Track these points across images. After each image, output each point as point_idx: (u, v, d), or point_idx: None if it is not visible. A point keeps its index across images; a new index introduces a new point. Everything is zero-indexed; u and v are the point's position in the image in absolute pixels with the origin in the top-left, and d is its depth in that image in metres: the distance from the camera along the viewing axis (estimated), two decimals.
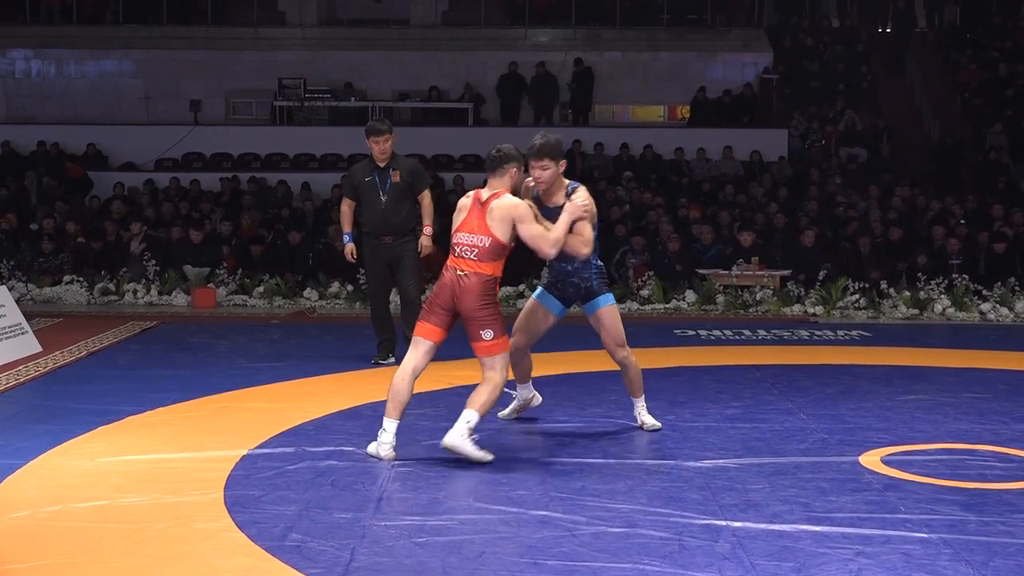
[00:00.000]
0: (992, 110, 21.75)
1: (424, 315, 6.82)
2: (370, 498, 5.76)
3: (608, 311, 7.17)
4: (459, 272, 6.67)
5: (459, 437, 6.43)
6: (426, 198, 9.81)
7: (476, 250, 6.66)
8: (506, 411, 7.67)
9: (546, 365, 9.69)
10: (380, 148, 9.58)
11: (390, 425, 6.61)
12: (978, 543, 5.09)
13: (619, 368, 7.37)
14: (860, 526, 5.32)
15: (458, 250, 6.73)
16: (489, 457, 6.45)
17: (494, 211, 6.69)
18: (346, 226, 9.95)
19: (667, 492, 5.89)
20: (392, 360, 9.70)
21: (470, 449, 6.44)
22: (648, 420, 7.35)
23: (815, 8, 26.27)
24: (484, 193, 6.82)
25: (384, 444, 6.57)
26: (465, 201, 6.88)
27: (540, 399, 7.78)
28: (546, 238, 6.71)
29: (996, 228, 16.10)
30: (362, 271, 14.21)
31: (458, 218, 6.85)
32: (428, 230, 9.83)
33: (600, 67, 23.10)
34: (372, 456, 6.56)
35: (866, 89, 23.37)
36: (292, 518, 5.44)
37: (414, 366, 6.72)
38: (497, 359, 6.67)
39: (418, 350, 6.77)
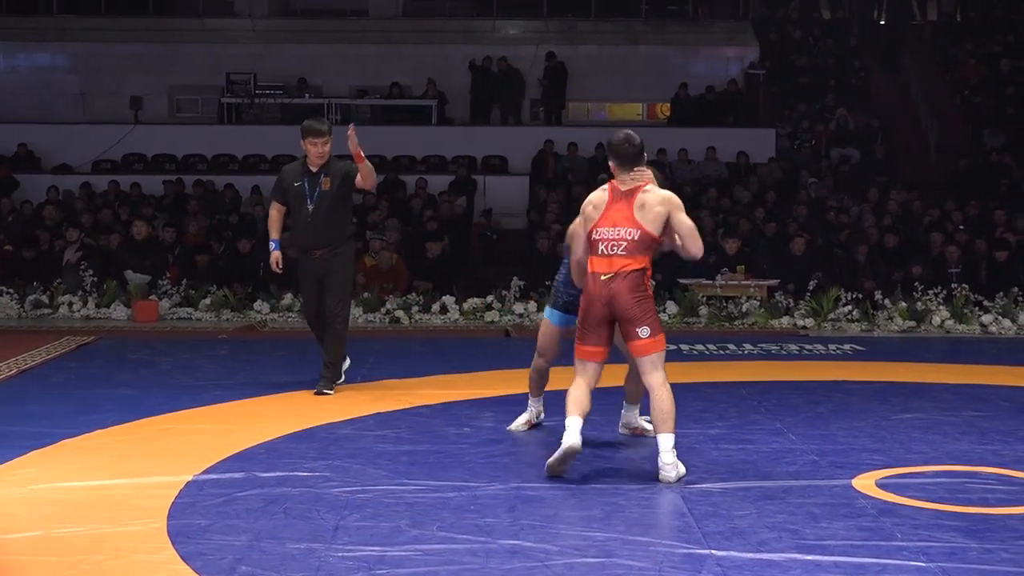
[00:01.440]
0: (993, 109, 21.92)
1: (581, 336, 6.82)
2: (326, 527, 5.74)
3: None
4: (603, 277, 6.67)
5: (674, 470, 6.57)
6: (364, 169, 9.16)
7: (624, 243, 6.68)
8: (516, 424, 8.00)
9: (515, 383, 9.69)
10: (318, 151, 9.16)
11: (574, 422, 6.70)
12: (979, 572, 5.12)
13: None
14: (853, 554, 5.34)
15: (601, 247, 6.71)
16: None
17: (646, 203, 6.71)
18: (274, 232, 9.48)
19: (646, 519, 5.90)
20: (343, 380, 9.47)
21: (681, 470, 6.61)
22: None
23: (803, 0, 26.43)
24: (623, 185, 6.78)
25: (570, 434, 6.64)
26: (600, 195, 6.83)
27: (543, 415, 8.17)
28: (697, 236, 6.79)
29: (998, 235, 16.21)
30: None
31: (593, 214, 6.78)
32: (275, 243, 9.45)
33: (574, 62, 23.16)
34: (564, 455, 6.62)
35: (859, 86, 23.52)
36: (241, 549, 5.42)
37: (588, 383, 6.80)
38: (656, 358, 6.75)
39: (588, 373, 6.82)
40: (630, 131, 6.94)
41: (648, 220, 6.69)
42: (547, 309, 7.90)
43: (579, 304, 6.99)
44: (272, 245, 9.50)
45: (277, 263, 9.45)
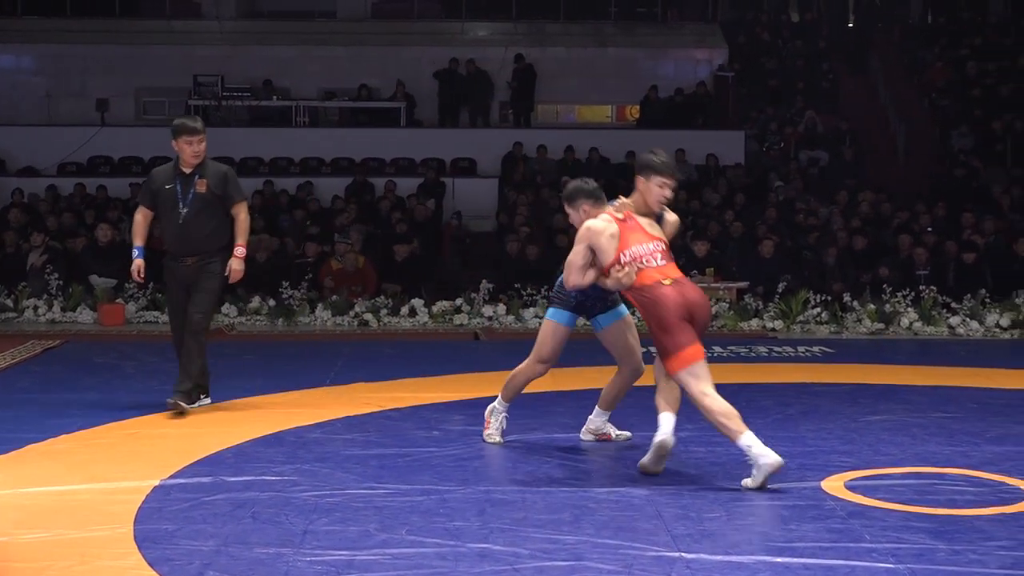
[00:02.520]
0: (960, 111, 22.07)
1: (689, 341, 6.75)
2: (294, 531, 5.73)
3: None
4: (668, 281, 6.82)
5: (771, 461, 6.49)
6: (241, 213, 8.75)
7: (661, 249, 6.92)
8: (495, 435, 7.78)
9: (484, 386, 9.69)
10: (194, 151, 8.60)
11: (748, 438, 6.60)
12: (948, 573, 5.14)
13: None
14: (823, 556, 5.36)
15: (648, 261, 6.86)
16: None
17: (653, 222, 7.06)
18: (137, 239, 8.88)
19: (616, 522, 5.90)
20: (208, 401, 8.91)
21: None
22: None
23: (773, 2, 26.53)
24: (618, 212, 7.05)
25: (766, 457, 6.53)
26: (610, 227, 6.94)
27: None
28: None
29: (966, 237, 16.31)
30: (285, 284, 14.21)
31: (611, 245, 6.89)
32: (241, 250, 8.75)
33: (543, 64, 23.19)
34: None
35: (827, 88, 23.63)
36: (209, 554, 5.39)
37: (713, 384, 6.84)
38: None
39: (706, 371, 6.83)
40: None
41: (663, 232, 7.10)
42: (554, 311, 7.55)
43: (587, 306, 7.37)
44: (135, 252, 8.91)
45: (139, 272, 8.92)
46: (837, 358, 11.74)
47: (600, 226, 6.97)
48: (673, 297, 6.74)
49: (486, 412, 7.81)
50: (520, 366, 7.66)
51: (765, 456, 6.46)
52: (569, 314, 7.48)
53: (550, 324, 7.54)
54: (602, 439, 7.76)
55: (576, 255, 7.00)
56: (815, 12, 26.19)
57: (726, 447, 7.56)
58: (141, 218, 8.94)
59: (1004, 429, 8.13)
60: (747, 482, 6.53)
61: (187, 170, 8.68)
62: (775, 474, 6.48)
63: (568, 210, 7.34)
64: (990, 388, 9.87)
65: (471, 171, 21.27)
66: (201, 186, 8.66)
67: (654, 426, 7.88)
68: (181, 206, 8.66)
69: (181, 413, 8.52)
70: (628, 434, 7.83)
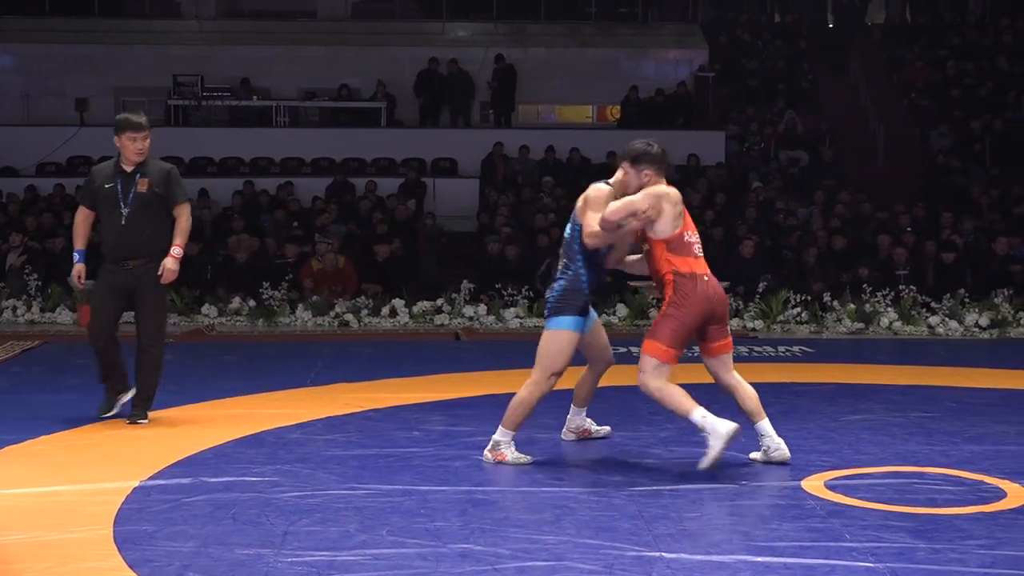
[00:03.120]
0: (939, 111, 22.15)
1: (710, 337, 6.94)
2: (275, 532, 5.72)
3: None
4: (706, 277, 6.89)
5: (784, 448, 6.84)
6: (184, 214, 8.30)
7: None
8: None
9: (465, 386, 9.70)
10: (137, 148, 8.14)
11: (700, 411, 6.75)
12: (927, 572, 5.17)
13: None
14: (803, 555, 5.38)
15: (696, 248, 6.94)
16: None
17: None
18: (78, 242, 8.41)
19: (596, 522, 5.91)
20: (114, 413, 8.46)
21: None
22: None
23: (753, 2, 26.58)
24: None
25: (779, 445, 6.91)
26: (680, 203, 6.94)
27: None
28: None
29: (945, 237, 16.38)
30: (266, 284, 14.18)
31: (675, 220, 6.91)
32: (177, 250, 8.24)
33: (523, 64, 23.18)
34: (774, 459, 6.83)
35: (807, 89, 23.68)
36: (189, 555, 5.38)
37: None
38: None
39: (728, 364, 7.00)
40: (644, 143, 7.08)
41: None
42: (567, 319, 7.05)
43: (585, 306, 7.12)
44: (76, 256, 8.43)
45: (80, 277, 8.44)
46: (817, 358, 11.77)
47: (677, 195, 6.91)
48: (707, 295, 6.86)
49: (488, 451, 7.15)
50: (527, 389, 7.10)
51: (715, 426, 6.72)
52: (580, 319, 7.07)
53: (562, 333, 7.04)
54: (584, 436, 7.76)
55: (637, 203, 6.81)
56: (795, 13, 26.23)
57: (706, 447, 7.58)
58: (82, 219, 8.45)
59: (983, 428, 8.17)
60: (703, 464, 6.73)
61: (128, 168, 8.21)
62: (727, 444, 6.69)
63: (628, 169, 6.96)
64: (969, 387, 9.90)
65: (452, 171, 21.26)
66: (143, 185, 8.17)
67: (635, 424, 7.90)
68: (122, 206, 8.18)
69: (137, 423, 8.28)
70: (607, 429, 7.86)
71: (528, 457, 7.08)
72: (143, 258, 8.22)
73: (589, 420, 7.81)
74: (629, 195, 6.94)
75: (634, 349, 11.97)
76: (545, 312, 7.24)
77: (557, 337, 7.05)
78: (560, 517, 5.99)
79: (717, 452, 6.67)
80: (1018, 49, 23.88)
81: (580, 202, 7.08)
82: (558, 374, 7.10)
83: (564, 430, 7.80)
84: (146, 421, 8.29)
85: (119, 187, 8.20)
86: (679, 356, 6.93)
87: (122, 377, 8.51)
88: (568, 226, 7.20)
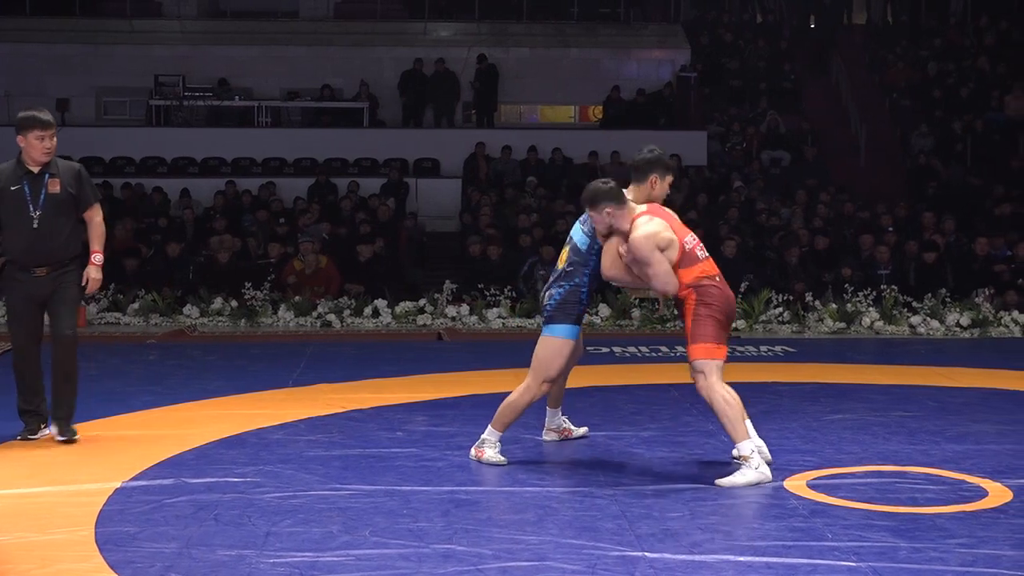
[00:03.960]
0: (920, 111, 22.23)
1: (721, 339, 6.82)
2: (257, 533, 5.71)
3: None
4: (719, 277, 6.89)
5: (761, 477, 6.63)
6: (96, 216, 7.84)
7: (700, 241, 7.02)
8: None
9: (448, 387, 9.70)
10: (45, 147, 7.57)
11: (751, 444, 6.70)
12: (909, 571, 5.18)
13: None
14: (785, 555, 5.39)
15: (700, 252, 6.93)
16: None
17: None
18: None
19: (579, 522, 5.92)
20: (45, 432, 7.79)
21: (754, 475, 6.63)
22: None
23: (735, 3, 26.64)
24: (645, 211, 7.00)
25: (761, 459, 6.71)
26: (661, 224, 6.87)
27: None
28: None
29: (926, 237, 16.43)
30: (248, 285, 14.16)
31: (673, 241, 6.85)
32: (99, 257, 7.82)
33: (506, 64, 23.20)
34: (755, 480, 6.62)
35: (789, 89, 23.74)
36: (171, 557, 5.37)
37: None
38: None
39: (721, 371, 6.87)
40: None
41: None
42: (562, 327, 7.07)
43: (582, 315, 7.14)
44: None
45: None
46: (799, 357, 11.79)
47: (654, 227, 6.81)
48: (727, 296, 6.89)
49: (474, 448, 7.22)
50: (519, 392, 7.13)
51: (760, 467, 6.63)
52: (576, 327, 7.10)
53: (558, 341, 7.06)
54: (564, 435, 7.75)
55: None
56: (776, 13, 26.30)
57: (689, 447, 7.61)
58: None
59: (964, 427, 8.20)
60: (724, 481, 6.59)
61: (35, 169, 7.64)
62: (756, 486, 6.56)
63: (591, 213, 6.94)
64: (951, 387, 9.93)
65: (434, 172, 21.26)
66: (54, 186, 7.64)
67: (617, 424, 7.90)
68: (32, 209, 7.60)
69: (71, 440, 7.66)
70: (585, 429, 7.85)
71: (503, 459, 7.09)
72: (54, 265, 7.67)
73: (565, 419, 7.80)
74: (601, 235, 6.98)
75: (616, 349, 12.03)
76: (543, 316, 7.21)
77: (552, 344, 7.08)
78: (543, 517, 5.99)
79: (740, 482, 6.57)
80: (999, 50, 23.99)
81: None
82: (551, 381, 7.13)
83: (544, 430, 7.80)
84: (78, 438, 7.68)
85: (27, 189, 7.62)
86: (725, 351, 6.85)
87: (41, 403, 7.85)
88: (580, 233, 7.10)
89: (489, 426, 7.19)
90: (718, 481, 6.60)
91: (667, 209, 7.05)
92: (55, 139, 7.69)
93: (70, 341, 7.78)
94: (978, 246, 15.90)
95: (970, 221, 17.68)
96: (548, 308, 7.12)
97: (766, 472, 6.64)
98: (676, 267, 6.82)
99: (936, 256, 15.59)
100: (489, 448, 7.13)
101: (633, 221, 6.85)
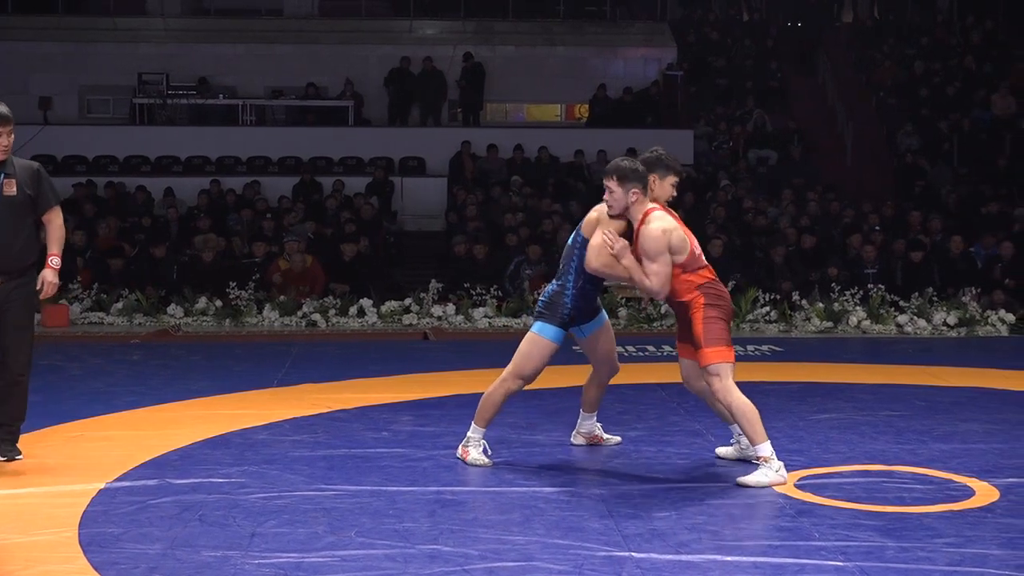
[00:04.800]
0: (907, 110, 22.28)
1: (730, 341, 6.83)
2: (242, 534, 5.70)
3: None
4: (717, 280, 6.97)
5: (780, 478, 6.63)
6: (56, 219, 7.20)
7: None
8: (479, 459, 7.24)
9: (433, 387, 9.70)
10: (1, 144, 7.06)
11: (769, 445, 6.70)
12: (897, 570, 5.19)
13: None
14: (772, 555, 5.40)
15: (702, 257, 6.99)
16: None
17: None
18: None
19: (566, 522, 5.92)
20: (20, 456, 7.18)
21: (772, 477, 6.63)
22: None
23: (721, 1, 26.67)
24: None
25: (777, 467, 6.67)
26: (675, 224, 6.87)
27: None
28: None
29: (913, 236, 16.47)
30: (233, 284, 14.14)
31: (684, 243, 6.86)
32: (56, 260, 7.13)
33: (492, 62, 23.20)
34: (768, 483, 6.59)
35: (776, 87, 23.78)
36: (155, 558, 5.36)
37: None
38: None
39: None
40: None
41: None
42: (543, 326, 7.03)
43: (577, 319, 7.10)
44: None
45: None
46: (786, 357, 11.81)
47: (670, 224, 6.79)
48: (728, 296, 6.98)
49: (460, 449, 7.18)
50: (494, 385, 7.11)
51: (780, 469, 6.64)
52: (559, 330, 7.02)
53: (538, 339, 7.03)
54: (593, 442, 7.62)
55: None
56: (763, 12, 26.34)
57: (676, 447, 7.61)
58: None
59: (951, 427, 8.22)
60: (746, 479, 6.62)
61: None
62: (771, 487, 6.57)
63: (612, 187, 6.80)
64: (938, 386, 9.96)
65: (420, 170, 21.24)
66: (10, 187, 7.06)
67: (604, 424, 7.90)
68: None
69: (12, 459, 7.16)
70: (618, 439, 7.67)
71: (487, 460, 7.04)
72: (10, 273, 7.03)
73: (599, 425, 7.64)
74: (611, 213, 6.88)
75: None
76: (535, 312, 7.21)
77: (532, 341, 7.06)
78: (529, 517, 5.99)
79: (763, 482, 6.58)
80: (985, 48, 24.06)
81: (594, 213, 6.96)
82: (524, 379, 7.07)
83: (575, 433, 7.67)
84: (21, 456, 7.17)
85: None
86: (733, 352, 6.87)
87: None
88: (572, 235, 7.12)
89: (472, 423, 7.16)
90: (739, 480, 6.61)
91: (671, 211, 7.02)
92: (12, 136, 7.15)
93: (23, 368, 7.15)
94: (953, 245, 15.94)
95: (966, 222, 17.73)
96: (539, 304, 7.16)
97: (784, 474, 6.64)
98: (683, 270, 6.80)
99: (922, 255, 15.63)
100: (473, 448, 7.11)
101: (647, 214, 6.81)
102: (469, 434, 7.16)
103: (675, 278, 6.82)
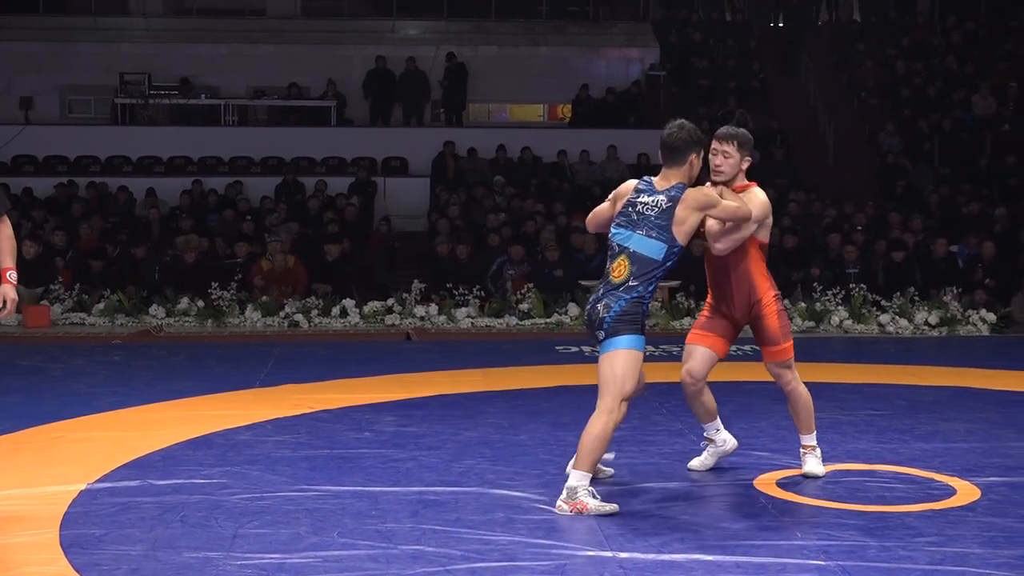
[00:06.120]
0: (889, 110, 22.34)
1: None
2: (224, 535, 5.68)
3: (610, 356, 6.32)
4: None
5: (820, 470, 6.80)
6: (6, 228, 6.53)
7: None
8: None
9: (416, 387, 9.69)
10: None
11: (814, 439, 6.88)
12: (878, 570, 5.20)
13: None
14: (755, 554, 5.40)
15: None
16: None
17: None
18: None
19: (549, 522, 5.91)
20: None
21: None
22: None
23: (704, 2, 26.72)
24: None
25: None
26: None
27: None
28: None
29: (894, 236, 16.52)
30: (215, 285, 14.10)
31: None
32: (12, 274, 6.45)
33: (474, 63, 23.20)
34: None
35: (758, 88, 23.82)
36: (137, 559, 5.34)
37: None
38: None
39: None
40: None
41: None
42: (625, 338, 6.22)
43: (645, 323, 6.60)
44: None
45: None
46: None
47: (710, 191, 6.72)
48: None
49: (563, 502, 6.09)
50: (600, 422, 6.19)
51: (818, 463, 6.80)
52: (642, 337, 6.30)
53: (630, 354, 6.23)
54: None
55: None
56: (745, 13, 26.39)
57: (659, 446, 7.62)
58: None
59: (932, 426, 8.25)
60: (810, 470, 6.79)
61: None
62: (810, 478, 6.73)
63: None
64: (919, 385, 9.99)
65: (402, 170, 21.23)
66: None
67: (584, 423, 7.89)
68: None
69: None
70: (611, 472, 6.93)
71: (614, 506, 6.07)
72: None
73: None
74: (719, 179, 6.94)
75: (586, 348, 12.03)
76: (602, 331, 6.25)
77: (624, 358, 6.22)
78: (512, 518, 5.98)
79: (817, 471, 6.76)
80: (966, 49, 24.14)
81: (686, 212, 6.45)
82: (629, 398, 6.32)
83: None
84: None
85: None
86: None
87: None
88: (648, 241, 6.36)
89: (573, 470, 6.16)
90: (806, 471, 6.79)
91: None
92: None
93: None
94: (937, 247, 15.99)
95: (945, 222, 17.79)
96: (607, 321, 6.22)
97: (820, 468, 6.85)
98: (760, 251, 6.90)
99: (904, 255, 15.68)
100: (586, 496, 6.07)
101: (748, 186, 7.10)
102: (572, 483, 6.11)
103: (754, 256, 6.84)
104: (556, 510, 6.07)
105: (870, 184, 20.89)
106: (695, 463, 7.07)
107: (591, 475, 6.15)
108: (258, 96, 22.86)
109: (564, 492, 6.11)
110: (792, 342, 6.86)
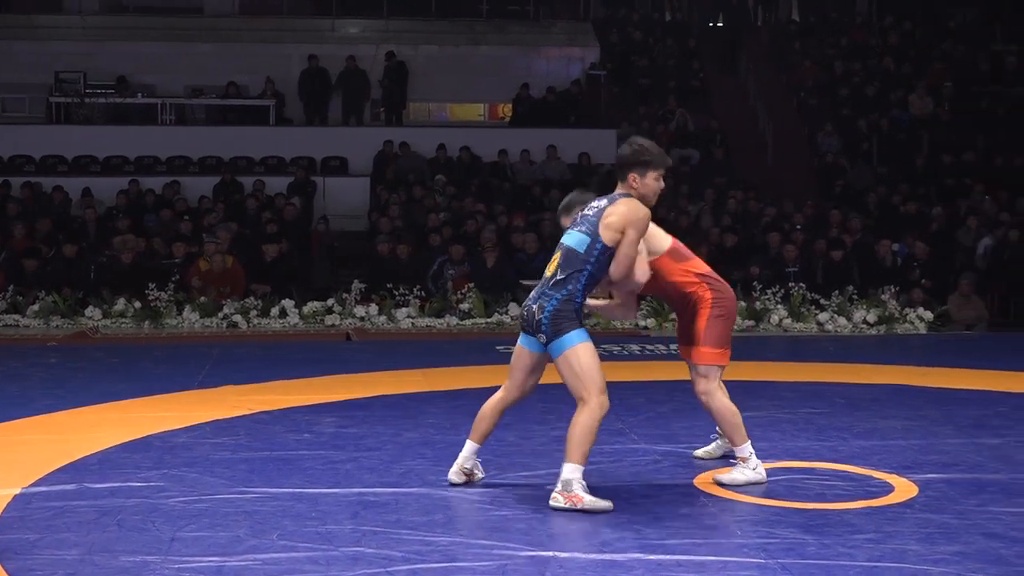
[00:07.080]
0: (827, 110, 22.54)
1: (729, 342, 6.88)
2: (161, 539, 5.64)
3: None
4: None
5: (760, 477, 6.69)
6: None
7: None
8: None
9: (356, 387, 9.67)
10: None
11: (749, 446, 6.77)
12: (817, 567, 5.24)
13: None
14: (695, 553, 5.43)
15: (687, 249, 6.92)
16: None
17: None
18: None
19: (489, 522, 5.92)
20: None
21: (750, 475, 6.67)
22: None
23: (644, 1, 26.84)
24: None
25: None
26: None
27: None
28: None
29: (833, 235, 16.66)
30: (152, 285, 13.99)
31: (657, 230, 6.78)
32: None
33: (414, 62, 23.18)
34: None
35: (698, 87, 23.95)
36: (73, 564, 5.29)
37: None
38: None
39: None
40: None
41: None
42: (569, 336, 6.21)
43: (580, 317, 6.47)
44: None
45: None
46: None
47: (646, 211, 6.35)
48: (733, 296, 6.99)
49: (559, 493, 6.13)
50: (584, 413, 6.21)
51: (758, 468, 6.70)
52: (585, 329, 6.32)
53: (585, 346, 6.23)
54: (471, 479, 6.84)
55: (634, 247, 6.31)
56: (684, 12, 26.53)
57: (599, 444, 7.61)
58: None
59: (871, 424, 8.32)
60: (723, 477, 6.67)
61: None
62: (754, 486, 6.61)
63: (639, 175, 6.40)
64: (858, 383, 10.08)
65: (342, 170, 21.16)
66: None
67: (527, 424, 7.89)
68: None
69: None
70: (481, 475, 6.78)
71: (608, 503, 6.10)
72: None
73: (477, 461, 6.74)
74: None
75: None
76: (541, 336, 6.28)
77: (580, 354, 6.22)
78: (453, 518, 5.99)
79: (739, 480, 6.63)
80: (903, 49, 24.41)
81: (614, 217, 6.27)
82: (605, 392, 6.26)
83: (456, 469, 6.71)
84: None
85: None
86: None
87: None
88: (576, 235, 6.34)
89: (566, 463, 6.17)
90: (716, 477, 6.68)
91: None
92: None
93: None
94: (881, 248, 16.14)
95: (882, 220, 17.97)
96: (544, 323, 6.23)
97: (762, 472, 6.70)
98: (669, 259, 6.74)
99: (843, 254, 15.82)
100: (580, 489, 6.10)
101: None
102: (567, 476, 6.14)
103: (669, 272, 6.74)
104: (551, 502, 6.11)
105: (809, 183, 21.07)
106: (701, 452, 7.31)
107: (583, 467, 6.14)
108: (196, 95, 22.71)
109: (559, 484, 6.13)
110: (722, 352, 6.76)
